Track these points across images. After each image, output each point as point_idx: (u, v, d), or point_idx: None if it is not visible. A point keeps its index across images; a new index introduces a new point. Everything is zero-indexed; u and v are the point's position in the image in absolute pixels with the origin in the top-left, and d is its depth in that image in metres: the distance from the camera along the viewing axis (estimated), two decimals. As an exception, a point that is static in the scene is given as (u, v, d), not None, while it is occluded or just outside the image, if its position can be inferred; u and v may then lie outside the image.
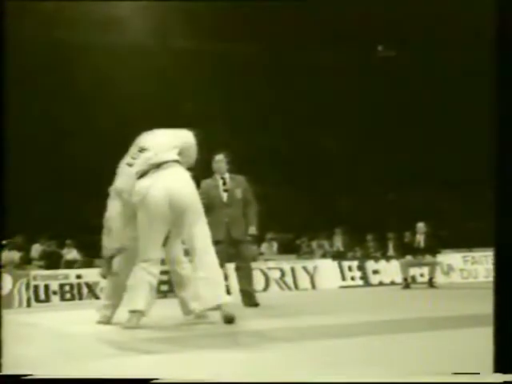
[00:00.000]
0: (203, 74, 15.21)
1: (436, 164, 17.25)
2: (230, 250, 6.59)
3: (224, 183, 6.64)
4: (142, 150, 4.98)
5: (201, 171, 6.81)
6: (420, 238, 10.20)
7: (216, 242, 6.33)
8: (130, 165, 4.99)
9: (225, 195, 6.61)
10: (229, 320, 4.78)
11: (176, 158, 4.96)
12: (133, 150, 5.09)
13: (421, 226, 10.23)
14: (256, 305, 6.57)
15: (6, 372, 2.90)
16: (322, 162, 17.75)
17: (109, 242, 5.09)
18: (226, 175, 6.69)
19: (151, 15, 14.87)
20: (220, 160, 6.64)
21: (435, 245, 10.17)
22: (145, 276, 4.79)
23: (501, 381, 2.63)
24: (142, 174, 4.84)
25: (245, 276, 6.71)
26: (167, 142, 5.04)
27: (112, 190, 5.10)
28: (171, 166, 4.88)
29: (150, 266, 4.81)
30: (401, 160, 17.48)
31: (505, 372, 2.64)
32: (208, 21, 14.63)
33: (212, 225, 6.36)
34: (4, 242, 11.31)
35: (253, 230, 6.61)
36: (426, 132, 17.50)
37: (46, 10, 13.50)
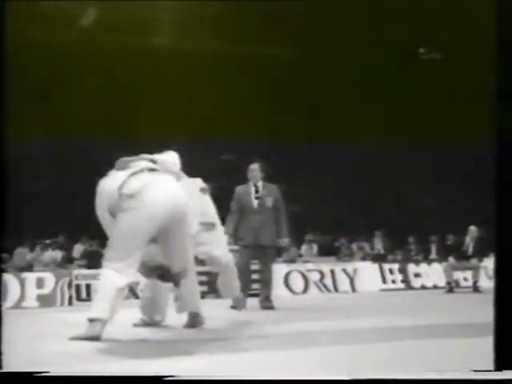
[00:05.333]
0: (241, 78, 15.20)
1: (477, 164, 16.87)
2: (256, 253, 6.99)
3: (256, 191, 7.02)
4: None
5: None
6: (470, 242, 10.03)
7: (244, 247, 6.91)
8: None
9: (256, 202, 6.99)
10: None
11: None
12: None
13: (473, 229, 10.06)
14: (271, 308, 6.77)
15: (40, 368, 2.91)
16: (361, 164, 17.58)
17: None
18: (260, 183, 7.07)
19: (178, 17, 14.86)
20: (254, 169, 7.06)
21: (485, 249, 9.94)
22: (113, 279, 4.27)
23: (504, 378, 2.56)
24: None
25: (264, 280, 7.04)
26: None
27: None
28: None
29: (123, 267, 4.24)
30: (441, 161, 17.19)
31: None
32: (243, 24, 14.59)
33: (242, 229, 6.93)
34: (48, 241, 11.57)
35: (285, 241, 7.09)
36: (465, 133, 17.15)
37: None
